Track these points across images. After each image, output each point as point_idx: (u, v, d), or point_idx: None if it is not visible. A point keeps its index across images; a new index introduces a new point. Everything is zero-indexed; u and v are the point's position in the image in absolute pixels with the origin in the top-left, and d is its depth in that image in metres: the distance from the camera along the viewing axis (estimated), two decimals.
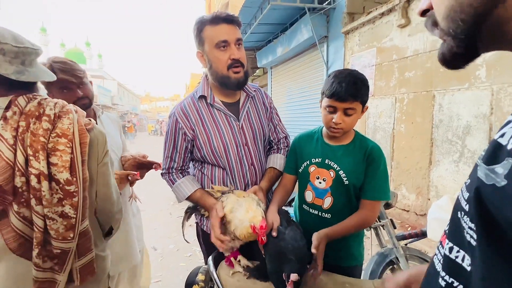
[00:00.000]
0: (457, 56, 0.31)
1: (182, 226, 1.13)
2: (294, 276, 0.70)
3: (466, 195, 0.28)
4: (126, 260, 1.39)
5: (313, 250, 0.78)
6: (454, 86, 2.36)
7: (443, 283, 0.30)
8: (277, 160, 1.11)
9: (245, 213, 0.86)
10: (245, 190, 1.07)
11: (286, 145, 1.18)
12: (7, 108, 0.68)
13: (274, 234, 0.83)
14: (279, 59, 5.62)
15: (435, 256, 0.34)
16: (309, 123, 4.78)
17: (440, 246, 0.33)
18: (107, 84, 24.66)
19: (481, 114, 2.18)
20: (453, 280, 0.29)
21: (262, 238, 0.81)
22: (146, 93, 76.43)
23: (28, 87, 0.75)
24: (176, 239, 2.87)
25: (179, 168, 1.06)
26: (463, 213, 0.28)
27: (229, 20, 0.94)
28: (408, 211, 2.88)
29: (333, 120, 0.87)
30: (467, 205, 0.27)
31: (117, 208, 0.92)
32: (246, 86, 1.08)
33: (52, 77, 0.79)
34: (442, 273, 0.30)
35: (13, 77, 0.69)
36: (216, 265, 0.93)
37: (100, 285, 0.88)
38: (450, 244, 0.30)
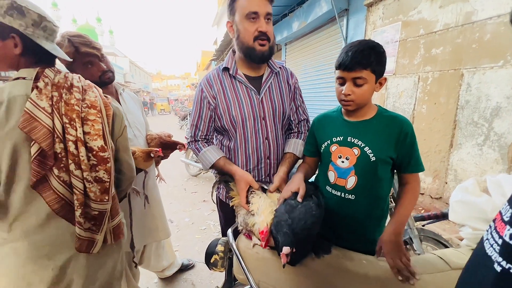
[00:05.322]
0: None
1: (212, 193, 1.19)
2: (286, 249, 0.68)
3: None
4: (155, 233, 1.45)
5: (376, 255, 0.82)
6: (486, 64, 2.19)
7: (498, 268, 0.29)
8: (298, 147, 1.12)
9: (258, 218, 0.87)
10: (257, 164, 1.09)
11: (307, 129, 1.18)
12: (36, 79, 0.72)
13: (300, 199, 0.83)
14: (295, 35, 5.36)
15: (486, 240, 0.33)
16: (325, 103, 4.64)
17: (494, 231, 0.32)
18: (119, 61, 24.64)
19: None
20: (510, 266, 0.28)
21: (262, 243, 0.82)
22: (157, 71, 76.14)
23: (51, 62, 0.80)
24: (191, 213, 2.99)
25: (203, 137, 1.10)
26: None
27: None
28: (423, 194, 2.83)
29: (342, 92, 0.84)
30: None
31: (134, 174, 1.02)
32: (271, 62, 1.10)
33: (64, 55, 0.85)
34: (499, 259, 0.30)
35: (54, 53, 0.77)
36: (235, 237, 0.96)
37: (122, 249, 0.96)
38: None
